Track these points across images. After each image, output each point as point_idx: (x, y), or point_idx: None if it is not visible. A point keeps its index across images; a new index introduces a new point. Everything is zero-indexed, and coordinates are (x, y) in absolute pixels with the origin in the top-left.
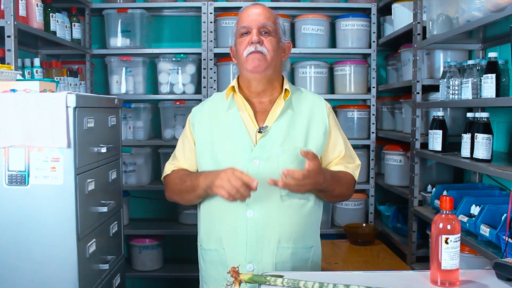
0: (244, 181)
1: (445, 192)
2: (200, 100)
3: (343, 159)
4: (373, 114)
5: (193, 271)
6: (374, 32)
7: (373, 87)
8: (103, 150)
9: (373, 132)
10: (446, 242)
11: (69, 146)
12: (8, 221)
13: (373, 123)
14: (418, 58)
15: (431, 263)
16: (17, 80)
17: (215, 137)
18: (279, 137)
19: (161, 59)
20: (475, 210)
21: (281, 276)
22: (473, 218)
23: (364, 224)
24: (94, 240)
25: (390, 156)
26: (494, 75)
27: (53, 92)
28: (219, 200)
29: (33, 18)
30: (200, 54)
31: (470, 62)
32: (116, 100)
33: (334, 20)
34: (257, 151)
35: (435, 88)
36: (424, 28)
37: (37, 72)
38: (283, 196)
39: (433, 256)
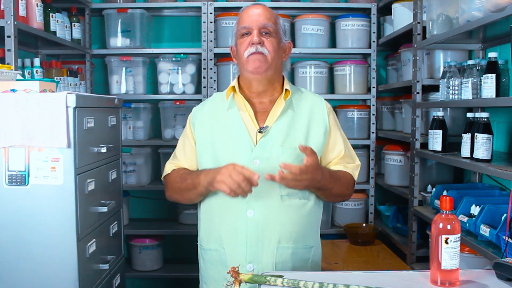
0: (245, 176)
1: (445, 192)
2: (200, 100)
3: (342, 159)
4: (373, 114)
5: (193, 271)
6: (374, 32)
7: (373, 87)
8: (103, 150)
9: (373, 132)
10: (446, 242)
11: (69, 146)
12: (8, 221)
13: (373, 123)
14: (418, 58)
15: (431, 263)
16: (17, 80)
17: (216, 137)
18: (280, 137)
19: (161, 59)
20: (475, 210)
21: (281, 276)
22: (473, 218)
23: (364, 224)
24: (94, 240)
25: (390, 156)
26: (494, 75)
27: (53, 92)
28: (219, 200)
29: (33, 18)
30: (200, 54)
31: (470, 62)
32: (116, 100)
33: (334, 20)
34: (258, 151)
35: (435, 88)
36: (424, 28)
37: (37, 72)
38: (283, 196)
39: (433, 256)
